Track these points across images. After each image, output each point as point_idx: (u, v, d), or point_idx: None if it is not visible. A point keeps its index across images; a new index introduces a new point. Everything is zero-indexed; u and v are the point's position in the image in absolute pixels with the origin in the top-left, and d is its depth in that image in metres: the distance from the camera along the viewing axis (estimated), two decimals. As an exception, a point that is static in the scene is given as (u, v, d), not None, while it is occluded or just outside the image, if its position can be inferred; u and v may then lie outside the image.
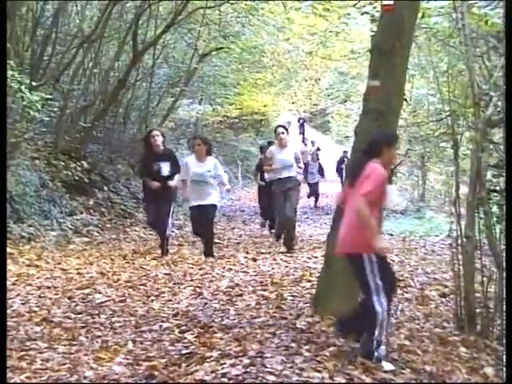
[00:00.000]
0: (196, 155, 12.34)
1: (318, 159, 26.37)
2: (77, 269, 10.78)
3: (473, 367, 5.95)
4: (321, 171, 26.10)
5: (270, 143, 14.72)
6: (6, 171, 6.21)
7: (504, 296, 6.15)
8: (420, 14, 9.13)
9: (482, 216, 6.92)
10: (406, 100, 11.64)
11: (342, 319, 6.40)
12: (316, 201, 26.02)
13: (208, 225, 12.18)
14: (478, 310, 6.94)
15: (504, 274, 6.16)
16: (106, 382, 5.54)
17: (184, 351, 6.33)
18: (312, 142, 36.76)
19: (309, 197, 26.11)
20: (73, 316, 7.76)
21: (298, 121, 46.60)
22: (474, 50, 7.13)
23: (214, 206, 12.30)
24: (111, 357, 6.10)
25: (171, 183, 12.37)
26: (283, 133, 13.53)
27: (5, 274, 5.15)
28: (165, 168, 12.43)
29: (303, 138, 44.26)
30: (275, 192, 13.39)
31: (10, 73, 12.07)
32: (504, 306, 6.18)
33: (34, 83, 13.90)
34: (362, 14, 14.24)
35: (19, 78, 12.33)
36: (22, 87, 12.34)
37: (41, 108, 13.16)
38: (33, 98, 12.40)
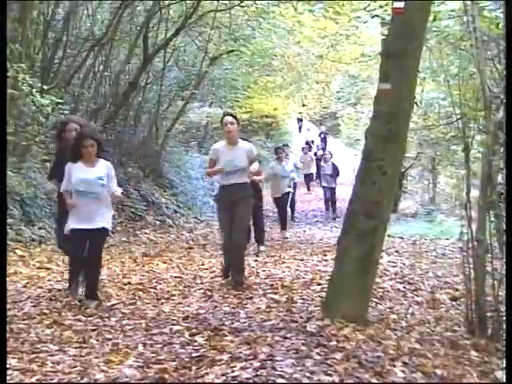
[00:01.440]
0: (84, 158, 8.54)
1: (330, 158, 24.39)
2: (87, 271, 10.78)
3: (484, 371, 5.92)
4: (335, 171, 23.74)
5: (286, 145, 14.41)
6: (6, 171, 6.22)
7: (504, 295, 6.12)
8: (431, 17, 9.12)
9: (493, 219, 6.89)
10: (416, 103, 11.62)
11: None
12: (333, 209, 23.61)
13: (93, 256, 8.57)
14: (488, 314, 6.91)
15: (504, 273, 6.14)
16: (115, 385, 5.54)
17: (194, 354, 6.32)
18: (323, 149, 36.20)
19: (325, 203, 24.18)
20: (83, 319, 7.76)
21: (319, 135, 44.98)
22: (485, 53, 7.12)
23: (105, 230, 8.66)
24: (122, 359, 6.09)
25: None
26: (232, 123, 9.95)
27: (5, 274, 5.15)
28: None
29: (323, 153, 42.51)
30: (219, 205, 10.39)
31: (21, 76, 12.13)
32: (504, 306, 6.15)
33: (45, 87, 13.92)
34: (373, 17, 14.24)
35: (30, 82, 12.37)
36: (33, 90, 12.37)
37: (51, 112, 13.20)
38: (44, 101, 12.42)
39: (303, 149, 32.05)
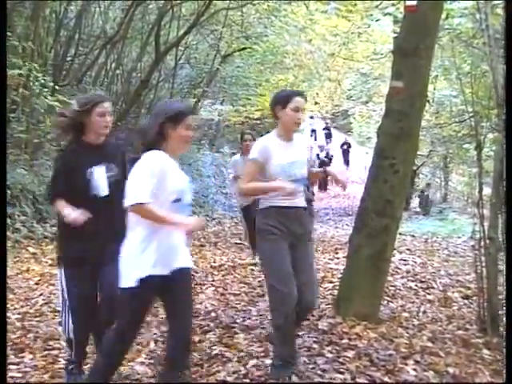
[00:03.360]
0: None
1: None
2: (99, 269, 10.80)
3: (496, 369, 5.91)
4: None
5: None
6: (6, 170, 6.28)
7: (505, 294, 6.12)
8: (443, 15, 9.09)
9: (505, 217, 6.88)
10: (428, 101, 11.60)
11: None
12: None
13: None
14: (500, 312, 6.90)
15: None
16: (128, 381, 5.55)
17: (206, 352, 6.34)
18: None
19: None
20: (95, 316, 7.78)
21: (341, 146, 42.70)
22: (498, 51, 7.08)
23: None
24: (133, 357, 6.10)
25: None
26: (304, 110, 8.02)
27: (5, 274, 5.18)
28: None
29: (347, 165, 41.03)
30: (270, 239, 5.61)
31: (33, 75, 12.16)
32: (504, 306, 6.14)
33: (56, 87, 13.93)
34: (385, 15, 14.18)
35: (42, 81, 12.39)
36: (45, 90, 12.39)
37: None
38: (53, 103, 12.44)
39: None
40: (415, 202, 25.30)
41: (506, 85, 5.90)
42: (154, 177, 4.51)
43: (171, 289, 4.65)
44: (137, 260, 4.56)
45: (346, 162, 40.91)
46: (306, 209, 5.76)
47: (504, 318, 6.27)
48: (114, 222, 5.08)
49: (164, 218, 4.51)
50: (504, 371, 5.17)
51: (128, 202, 4.49)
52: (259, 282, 9.81)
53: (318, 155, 31.82)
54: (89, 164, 5.21)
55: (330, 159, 28.96)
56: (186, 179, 4.82)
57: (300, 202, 5.60)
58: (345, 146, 42.00)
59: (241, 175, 6.08)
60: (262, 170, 5.53)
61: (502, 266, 6.81)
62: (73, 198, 5.13)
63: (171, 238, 4.65)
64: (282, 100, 5.64)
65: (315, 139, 43.75)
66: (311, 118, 49.69)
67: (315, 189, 30.95)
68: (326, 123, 46.96)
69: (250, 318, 7.65)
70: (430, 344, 6.63)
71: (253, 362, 5.92)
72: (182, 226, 4.65)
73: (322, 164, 24.83)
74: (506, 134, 5.99)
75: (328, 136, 44.54)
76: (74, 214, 4.99)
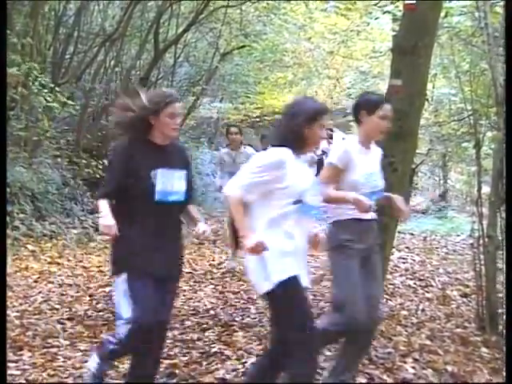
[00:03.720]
0: None
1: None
2: (98, 266, 10.81)
3: (494, 368, 5.92)
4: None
5: None
6: (6, 168, 6.23)
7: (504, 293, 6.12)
8: (442, 14, 9.08)
9: (504, 216, 6.89)
10: (427, 100, 11.62)
11: None
12: None
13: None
14: (499, 311, 6.91)
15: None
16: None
17: (205, 349, 6.35)
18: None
19: None
20: (94, 314, 7.80)
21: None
22: (497, 49, 7.09)
23: None
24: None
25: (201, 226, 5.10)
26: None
27: (5, 273, 5.16)
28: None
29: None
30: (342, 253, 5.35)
31: (32, 75, 12.16)
32: (504, 305, 6.15)
33: (53, 85, 13.89)
34: (384, 13, 14.16)
35: (42, 81, 12.38)
36: (44, 91, 12.38)
37: (61, 110, 13.23)
38: (52, 104, 12.44)
39: None
40: (414, 201, 25.31)
41: (506, 83, 5.91)
42: (266, 172, 4.41)
43: None
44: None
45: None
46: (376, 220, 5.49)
47: (504, 317, 6.29)
48: (176, 227, 5.04)
49: (236, 215, 4.47)
50: (504, 370, 5.19)
51: (225, 189, 4.53)
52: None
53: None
54: (154, 166, 4.84)
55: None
56: (309, 180, 4.67)
57: (373, 213, 5.33)
58: (328, 133, 41.26)
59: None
60: (340, 176, 5.20)
61: (501, 264, 6.83)
62: (130, 201, 4.83)
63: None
64: (369, 106, 5.28)
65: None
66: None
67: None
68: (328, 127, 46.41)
69: (248, 316, 7.67)
70: (428, 342, 6.64)
71: (252, 359, 5.93)
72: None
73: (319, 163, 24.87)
74: (505, 133, 5.99)
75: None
76: (107, 221, 4.63)
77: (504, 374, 5.66)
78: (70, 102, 13.56)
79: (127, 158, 4.87)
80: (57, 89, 13.95)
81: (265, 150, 4.56)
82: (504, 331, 6.09)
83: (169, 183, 4.88)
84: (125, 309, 5.28)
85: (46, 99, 12.67)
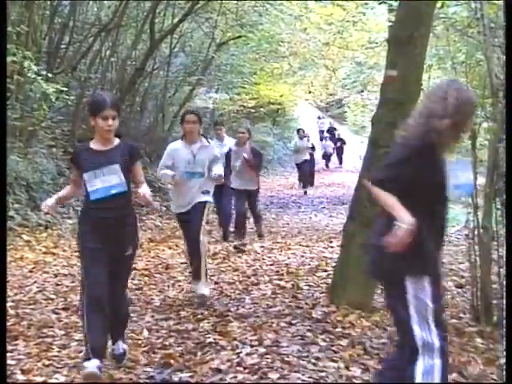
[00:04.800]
0: None
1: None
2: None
3: (489, 358, 5.93)
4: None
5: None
6: (6, 158, 6.12)
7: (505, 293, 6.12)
8: (438, 4, 9.07)
9: (499, 207, 6.89)
10: (423, 90, 11.58)
11: None
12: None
13: None
14: (494, 301, 6.91)
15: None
16: (122, 369, 5.57)
17: (200, 340, 6.36)
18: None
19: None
20: (89, 304, 7.79)
21: (335, 143, 40.59)
22: (493, 40, 7.07)
23: None
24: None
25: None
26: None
27: (5, 272, 5.17)
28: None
29: (340, 163, 40.29)
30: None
31: (26, 63, 12.10)
32: (504, 305, 6.15)
33: (49, 74, 13.84)
34: (380, 4, 14.17)
35: (35, 69, 12.33)
36: (39, 78, 12.33)
37: (55, 99, 13.18)
38: (48, 91, 12.39)
39: (298, 131, 29.37)
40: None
41: (506, 75, 5.90)
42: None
43: None
44: None
45: (340, 159, 40.04)
46: None
47: (504, 315, 6.30)
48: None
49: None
50: (504, 370, 5.20)
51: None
52: (253, 270, 9.83)
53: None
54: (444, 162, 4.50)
55: (313, 147, 28.02)
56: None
57: None
58: (339, 143, 40.44)
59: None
60: None
61: (496, 255, 6.84)
62: (424, 196, 4.40)
63: None
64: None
65: (323, 140, 41.89)
66: (319, 118, 49.21)
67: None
68: (331, 123, 45.72)
69: (243, 307, 7.67)
70: (423, 332, 6.64)
71: (246, 350, 5.94)
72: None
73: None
74: (506, 125, 5.98)
75: (332, 138, 42.07)
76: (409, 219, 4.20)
77: (497, 363, 5.71)
78: (64, 88, 13.47)
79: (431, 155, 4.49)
80: (50, 75, 13.91)
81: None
82: (504, 332, 6.11)
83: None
84: None
85: (40, 84, 12.59)
